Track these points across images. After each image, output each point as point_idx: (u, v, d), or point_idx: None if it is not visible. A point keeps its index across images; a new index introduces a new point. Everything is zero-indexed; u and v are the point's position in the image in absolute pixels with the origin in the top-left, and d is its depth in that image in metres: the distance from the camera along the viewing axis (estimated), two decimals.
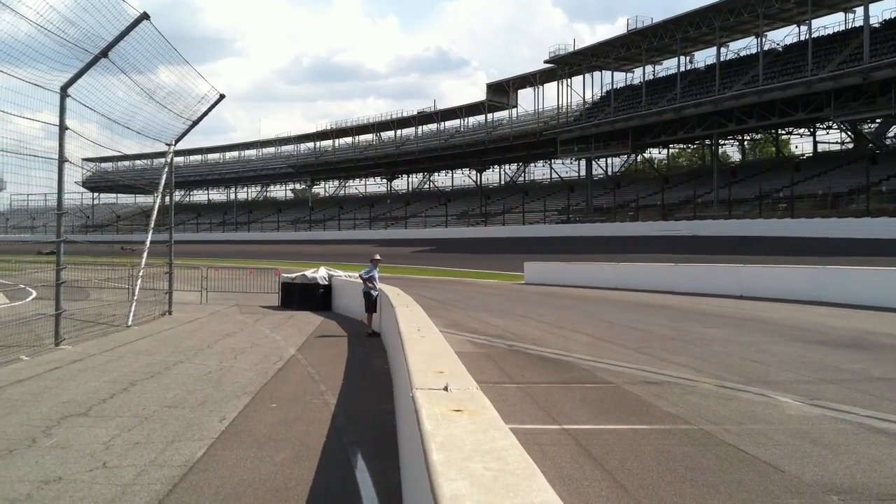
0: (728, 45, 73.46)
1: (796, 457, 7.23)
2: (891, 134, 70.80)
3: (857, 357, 13.45)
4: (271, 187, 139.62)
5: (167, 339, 16.39)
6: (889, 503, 6.09)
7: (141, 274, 19.45)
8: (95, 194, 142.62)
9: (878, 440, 7.89)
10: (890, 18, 61.39)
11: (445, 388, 4.48)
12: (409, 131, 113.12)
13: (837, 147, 74.76)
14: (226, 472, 6.83)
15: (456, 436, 3.44)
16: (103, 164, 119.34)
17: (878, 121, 66.19)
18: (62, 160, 14.31)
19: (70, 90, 14.46)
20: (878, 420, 8.68)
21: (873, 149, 66.88)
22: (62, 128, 14.31)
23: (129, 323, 18.01)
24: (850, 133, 71.64)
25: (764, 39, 68.28)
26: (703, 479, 6.63)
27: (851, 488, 6.34)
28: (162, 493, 6.24)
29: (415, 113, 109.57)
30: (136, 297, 18.95)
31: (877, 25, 60.20)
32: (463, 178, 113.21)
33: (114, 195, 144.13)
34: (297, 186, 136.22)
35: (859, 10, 61.01)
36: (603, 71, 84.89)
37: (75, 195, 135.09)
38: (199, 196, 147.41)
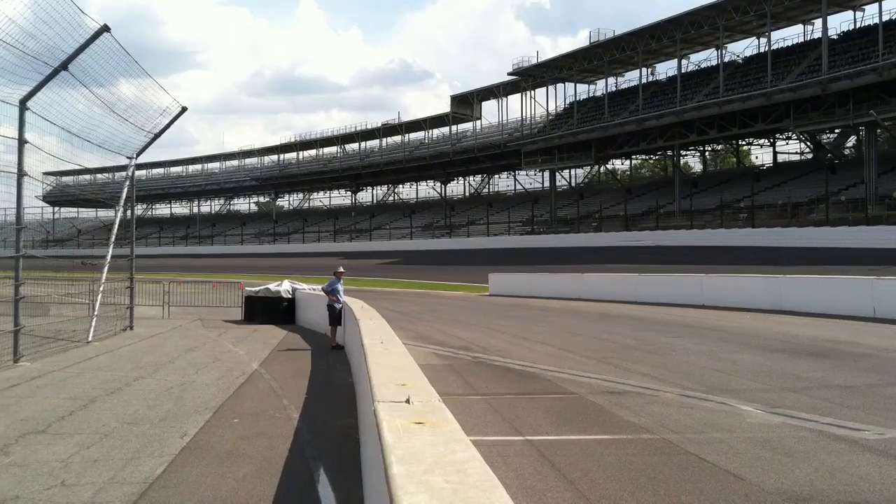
0: (689, 58, 74.28)
1: (757, 465, 7.29)
2: (849, 144, 72.03)
3: (817, 365, 13.61)
4: (235, 200, 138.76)
5: (128, 355, 16.20)
6: None
7: (101, 289, 19.18)
8: (56, 208, 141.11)
9: (838, 447, 7.98)
10: (848, 30, 62.51)
11: (407, 401, 4.47)
12: (373, 143, 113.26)
13: (797, 157, 75.88)
14: (186, 489, 6.76)
15: (416, 448, 3.42)
16: (64, 178, 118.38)
17: (836, 131, 67.23)
18: (21, 174, 14.14)
19: (29, 103, 14.29)
20: (837, 427, 8.77)
21: (832, 159, 67.85)
22: (21, 141, 14.13)
23: (90, 338, 17.76)
24: (809, 143, 72.69)
25: (724, 51, 69.25)
26: (665, 488, 6.66)
27: (811, 496, 6.40)
28: None
29: (379, 125, 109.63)
30: (96, 313, 18.69)
31: (835, 37, 61.24)
32: (427, 189, 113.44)
33: (74, 209, 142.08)
34: (261, 199, 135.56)
35: (818, 23, 61.98)
36: (566, 83, 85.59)
37: (35, 209, 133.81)
38: (162, 210, 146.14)
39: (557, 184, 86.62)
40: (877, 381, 11.92)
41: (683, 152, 78.79)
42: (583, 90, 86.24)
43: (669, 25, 67.09)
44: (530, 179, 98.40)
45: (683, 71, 71.90)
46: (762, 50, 67.19)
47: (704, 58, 74.16)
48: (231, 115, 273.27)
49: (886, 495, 6.42)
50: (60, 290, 26.73)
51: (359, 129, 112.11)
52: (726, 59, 69.22)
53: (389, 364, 6.47)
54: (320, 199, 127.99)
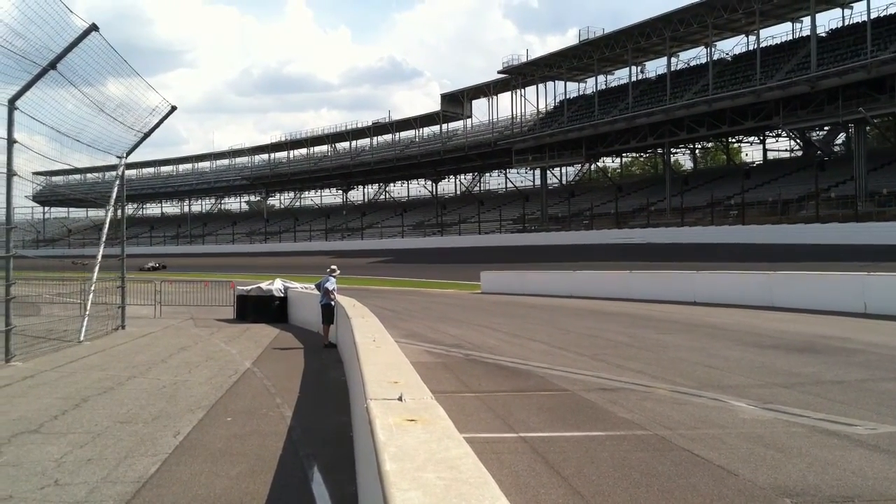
0: (678, 55, 74.52)
1: (750, 460, 7.29)
2: (839, 141, 72.21)
3: (809, 361, 13.63)
4: (226, 199, 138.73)
5: (120, 354, 16.16)
6: None
7: (93, 288, 19.13)
8: (46, 208, 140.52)
9: (830, 443, 7.98)
10: (836, 28, 62.69)
11: (400, 399, 4.47)
12: (364, 142, 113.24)
13: (787, 154, 76.14)
14: (180, 488, 6.74)
15: (409, 445, 3.42)
16: (54, 178, 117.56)
17: (826, 128, 67.41)
18: (10, 174, 14.10)
19: (18, 102, 14.26)
20: (829, 423, 8.77)
21: (822, 156, 68.13)
22: (10, 141, 14.09)
23: (82, 338, 17.71)
24: (798, 141, 72.94)
25: (713, 49, 69.49)
26: (659, 484, 6.67)
27: (804, 491, 6.41)
28: None
29: (370, 124, 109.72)
30: (88, 312, 18.64)
31: (823, 35, 61.42)
32: (418, 188, 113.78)
33: (65, 209, 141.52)
34: (252, 198, 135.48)
35: (806, 20, 62.26)
36: (556, 81, 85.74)
37: (25, 209, 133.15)
38: (153, 209, 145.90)
39: (548, 182, 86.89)
40: (868, 377, 11.95)
41: (674, 150, 78.97)
42: (573, 88, 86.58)
43: (658, 23, 67.23)
44: (521, 177, 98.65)
45: (673, 69, 72.10)
46: (751, 48, 67.51)
47: (694, 56, 74.62)
48: (221, 114, 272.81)
49: (879, 489, 6.44)
50: (52, 290, 26.70)
51: (349, 127, 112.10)
52: (715, 57, 69.49)
53: (382, 362, 6.47)
54: (311, 197, 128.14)
